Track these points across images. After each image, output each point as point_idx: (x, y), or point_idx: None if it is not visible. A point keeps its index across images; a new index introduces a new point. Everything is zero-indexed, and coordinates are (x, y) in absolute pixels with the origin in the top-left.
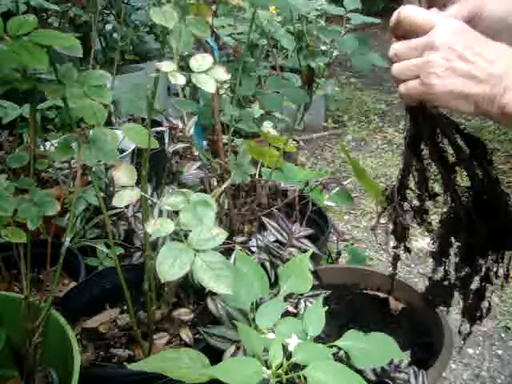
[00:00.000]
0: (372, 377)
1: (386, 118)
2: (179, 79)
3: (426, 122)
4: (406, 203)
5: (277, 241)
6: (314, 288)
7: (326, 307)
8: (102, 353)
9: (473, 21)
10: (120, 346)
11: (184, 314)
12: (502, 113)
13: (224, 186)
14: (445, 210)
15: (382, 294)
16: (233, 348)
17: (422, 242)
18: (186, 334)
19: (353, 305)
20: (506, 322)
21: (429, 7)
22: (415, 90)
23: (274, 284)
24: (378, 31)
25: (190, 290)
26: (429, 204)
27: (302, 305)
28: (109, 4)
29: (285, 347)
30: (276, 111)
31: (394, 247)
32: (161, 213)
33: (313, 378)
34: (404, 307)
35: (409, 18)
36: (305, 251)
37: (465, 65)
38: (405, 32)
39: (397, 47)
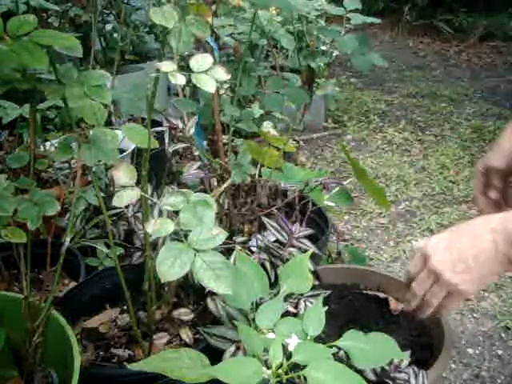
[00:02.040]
0: (372, 377)
1: (386, 118)
2: (179, 79)
3: None
4: None
5: (277, 241)
6: (314, 288)
7: (326, 307)
8: (102, 353)
9: None
10: (120, 346)
11: (184, 314)
12: None
13: (224, 186)
14: None
15: (382, 294)
16: (233, 348)
17: (421, 242)
18: (186, 334)
19: (353, 305)
20: (505, 322)
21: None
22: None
23: (274, 284)
24: (377, 31)
25: (190, 290)
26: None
27: (301, 305)
28: (109, 4)
29: (285, 347)
30: (276, 111)
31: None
32: (161, 213)
33: (313, 378)
34: (404, 307)
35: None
36: (305, 251)
37: (462, 263)
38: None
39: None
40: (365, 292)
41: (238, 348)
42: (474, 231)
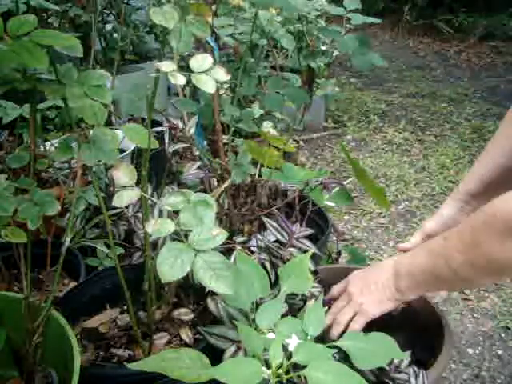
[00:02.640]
0: (372, 377)
1: (386, 118)
2: (179, 79)
3: None
4: None
5: (277, 241)
6: (314, 288)
7: (326, 307)
8: (102, 353)
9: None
10: (120, 346)
11: (184, 313)
12: (401, 292)
13: (224, 186)
14: None
15: None
16: (233, 348)
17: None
18: (186, 334)
19: None
20: (506, 322)
21: None
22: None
23: (274, 284)
24: (377, 31)
25: (190, 290)
26: (429, 204)
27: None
28: (109, 4)
29: (285, 347)
30: (276, 111)
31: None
32: (161, 213)
33: (313, 378)
34: (404, 307)
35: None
36: (305, 251)
37: (367, 288)
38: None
39: (331, 310)
40: None
41: (238, 348)
42: (382, 266)
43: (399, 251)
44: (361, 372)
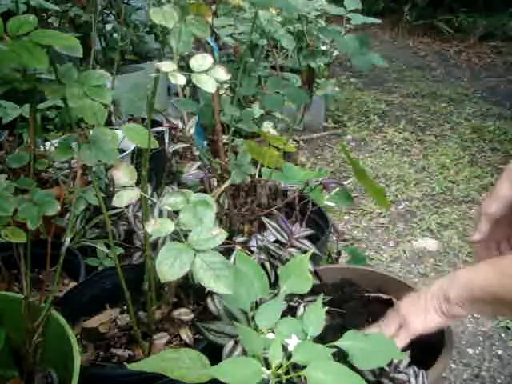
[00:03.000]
0: (371, 377)
1: (386, 118)
2: (179, 79)
3: None
4: None
5: (277, 241)
6: (313, 288)
7: (326, 307)
8: (101, 353)
9: None
10: (120, 346)
11: (184, 313)
12: (448, 300)
13: (224, 186)
14: None
15: (385, 296)
16: (231, 343)
17: (421, 241)
18: (186, 334)
19: (353, 305)
20: (505, 322)
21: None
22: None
23: (274, 284)
24: (378, 31)
25: (190, 290)
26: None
27: (301, 305)
28: (109, 4)
29: (285, 347)
30: (276, 111)
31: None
32: (161, 213)
33: (313, 378)
34: None
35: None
36: (305, 251)
37: (420, 299)
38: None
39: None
40: (367, 295)
41: (236, 342)
42: (435, 281)
43: (471, 242)
44: (360, 372)
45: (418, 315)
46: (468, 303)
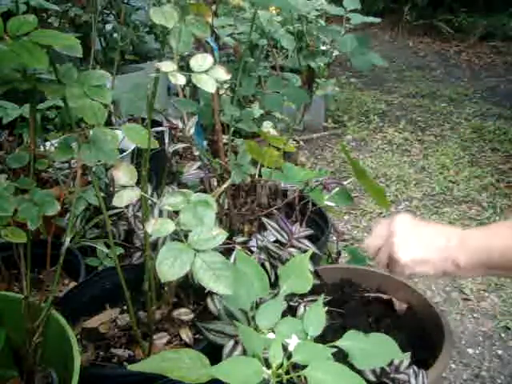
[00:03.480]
0: (372, 377)
1: (386, 118)
2: (179, 79)
3: None
4: None
5: (277, 241)
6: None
7: (326, 307)
8: (101, 353)
9: None
10: (120, 346)
11: (184, 313)
12: (457, 266)
13: (224, 186)
14: None
15: (385, 296)
16: (231, 343)
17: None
18: (185, 334)
19: (353, 306)
20: (505, 322)
21: None
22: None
23: (274, 284)
24: (378, 31)
25: (190, 290)
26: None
27: (301, 305)
28: (109, 4)
29: (285, 347)
30: (276, 111)
31: None
32: (161, 213)
33: (313, 378)
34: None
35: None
36: (305, 251)
37: (417, 240)
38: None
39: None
40: (367, 295)
41: (236, 342)
42: (442, 229)
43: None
44: (360, 372)
45: (416, 263)
46: (482, 270)
